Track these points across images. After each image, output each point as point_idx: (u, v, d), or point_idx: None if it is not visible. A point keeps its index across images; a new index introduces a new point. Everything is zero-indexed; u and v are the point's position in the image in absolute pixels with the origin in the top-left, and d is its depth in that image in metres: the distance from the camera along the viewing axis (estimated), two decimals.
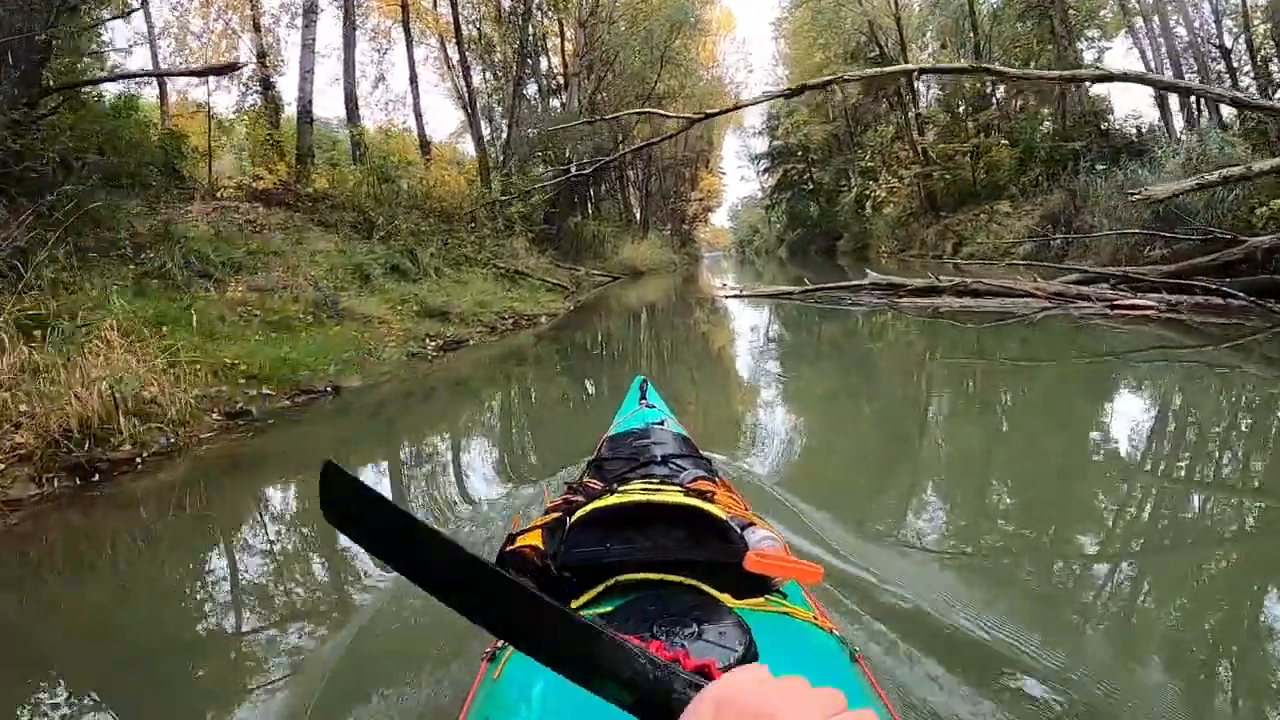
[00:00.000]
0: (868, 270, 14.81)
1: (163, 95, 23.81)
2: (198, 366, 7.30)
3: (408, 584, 0.70)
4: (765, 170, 62.00)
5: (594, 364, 11.24)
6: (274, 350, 8.47)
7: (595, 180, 36.25)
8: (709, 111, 16.12)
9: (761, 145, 61.73)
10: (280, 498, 5.57)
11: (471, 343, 11.62)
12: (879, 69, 22.36)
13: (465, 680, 1.75)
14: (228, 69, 17.13)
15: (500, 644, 1.44)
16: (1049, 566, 3.61)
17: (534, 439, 7.15)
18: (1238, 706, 2.47)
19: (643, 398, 3.92)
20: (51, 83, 11.41)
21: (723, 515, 1.69)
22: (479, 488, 5.45)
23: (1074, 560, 3.62)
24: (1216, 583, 3.46)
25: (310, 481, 5.11)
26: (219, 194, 16.85)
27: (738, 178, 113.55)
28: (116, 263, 10.18)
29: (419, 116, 27.90)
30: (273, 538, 4.73)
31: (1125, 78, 13.52)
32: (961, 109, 38.45)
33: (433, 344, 10.87)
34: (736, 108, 18.96)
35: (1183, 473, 5.03)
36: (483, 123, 30.94)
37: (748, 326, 15.14)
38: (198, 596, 3.93)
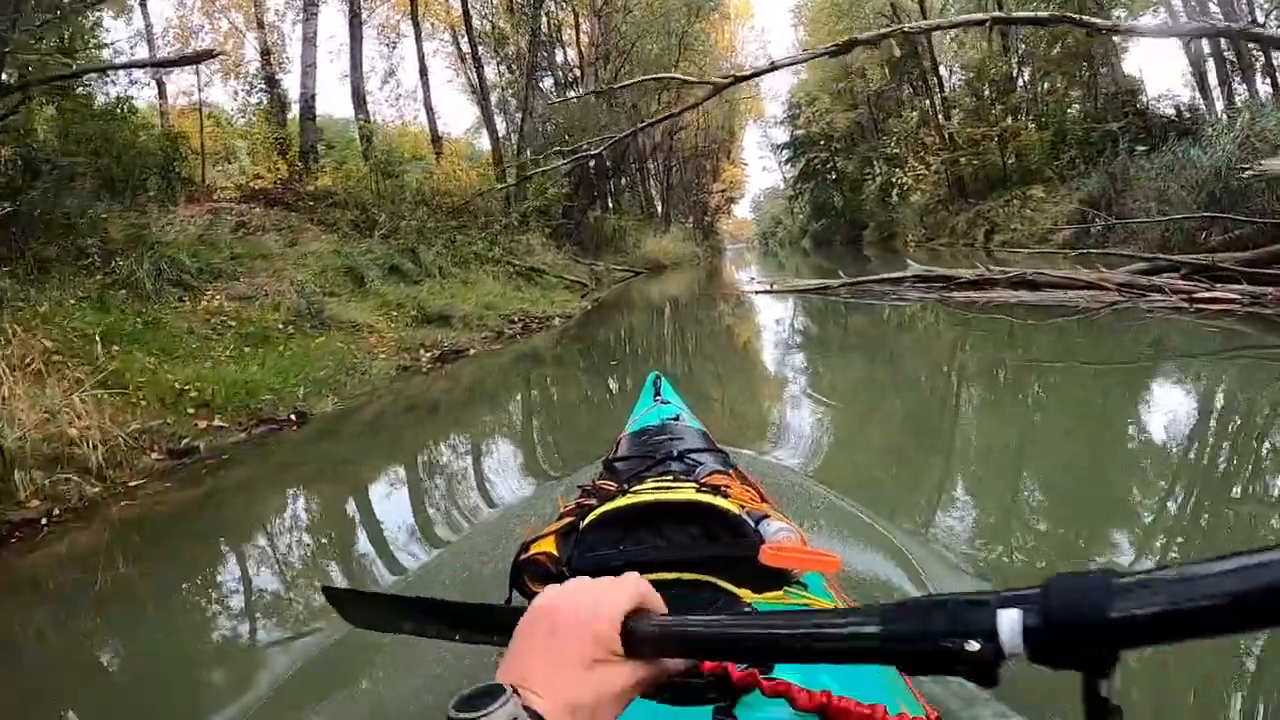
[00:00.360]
0: (909, 261, 13.54)
1: (162, 95, 22.88)
2: (142, 394, 6.15)
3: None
4: (788, 160, 60.41)
5: (609, 375, 9.75)
6: (237, 371, 7.31)
7: (615, 173, 35.02)
8: (738, 75, 14.79)
9: (783, 135, 60.36)
10: (206, 577, 4.31)
11: (473, 351, 10.49)
12: (951, 19, 20.87)
13: None
14: (202, 57, 15.99)
15: None
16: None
17: (528, 484, 5.42)
18: None
19: (657, 394, 3.82)
20: (9, 80, 10.30)
21: (735, 510, 1.65)
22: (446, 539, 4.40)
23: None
24: None
25: (238, 549, 4.62)
26: (216, 196, 15.89)
27: (759, 168, 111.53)
28: (82, 272, 9.13)
29: (430, 111, 26.86)
30: (186, 639, 3.51)
31: (1228, 33, 12.13)
32: (986, 93, 36.90)
33: (428, 355, 9.71)
34: (773, 68, 17.37)
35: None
36: (497, 117, 29.82)
37: (774, 321, 14.10)
38: None
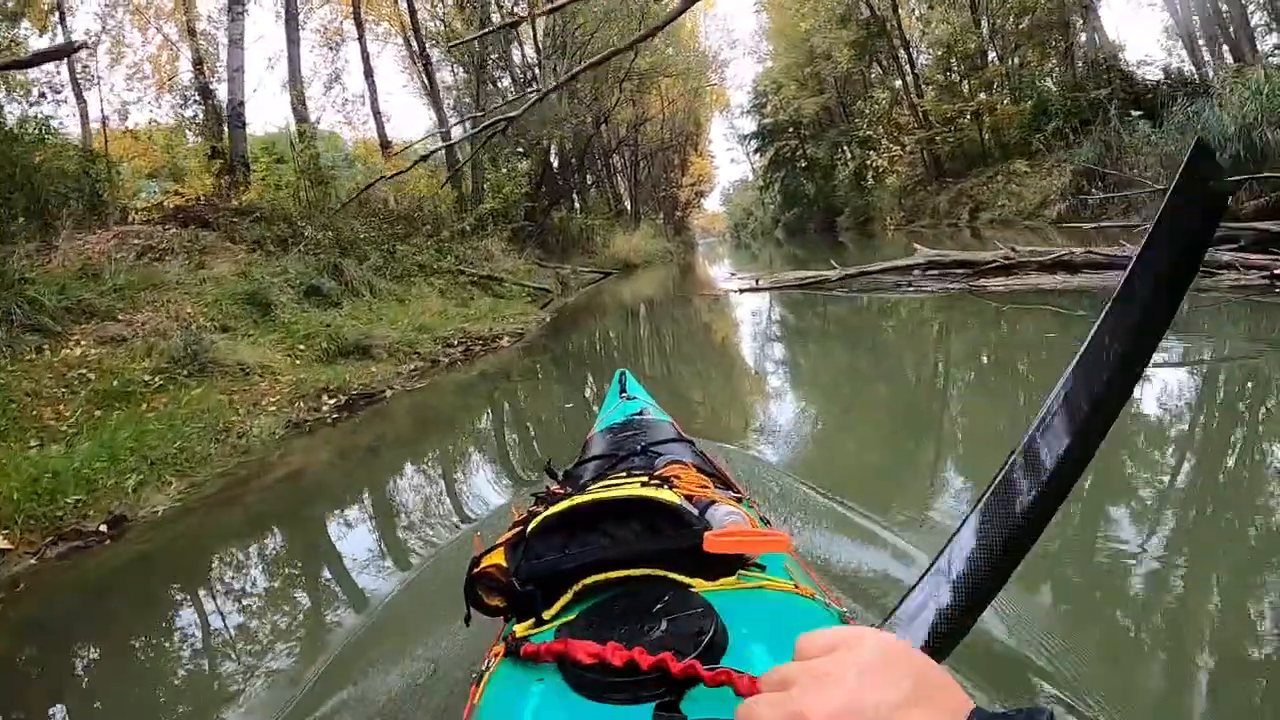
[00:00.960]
0: (917, 246, 11.55)
1: (85, 116, 20.64)
2: None
3: None
4: (756, 150, 58.31)
5: (562, 417, 7.20)
6: (38, 458, 5.18)
7: (580, 170, 32.92)
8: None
9: (750, 125, 58.35)
10: None
11: (391, 392, 8.16)
12: None
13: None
14: (65, 51, 13.87)
15: (485, 664, 1.41)
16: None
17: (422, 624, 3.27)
18: None
19: (623, 390, 3.67)
20: None
21: (674, 500, 1.56)
22: None
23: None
24: None
25: None
26: (130, 219, 13.83)
27: (727, 160, 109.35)
28: None
29: (377, 114, 24.75)
30: None
31: None
32: (958, 68, 35.10)
33: (331, 402, 7.47)
34: None
35: None
36: (452, 119, 27.68)
37: (750, 315, 12.68)
38: None
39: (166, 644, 3.58)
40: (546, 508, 1.65)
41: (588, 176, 35.72)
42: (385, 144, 24.14)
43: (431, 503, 5.20)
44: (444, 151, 24.58)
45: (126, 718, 3.07)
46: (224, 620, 3.74)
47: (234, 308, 8.94)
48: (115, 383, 6.85)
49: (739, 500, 2.03)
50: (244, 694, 2.96)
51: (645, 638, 1.20)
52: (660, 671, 1.00)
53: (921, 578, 0.97)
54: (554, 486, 2.17)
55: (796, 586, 1.49)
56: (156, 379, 7.06)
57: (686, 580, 1.40)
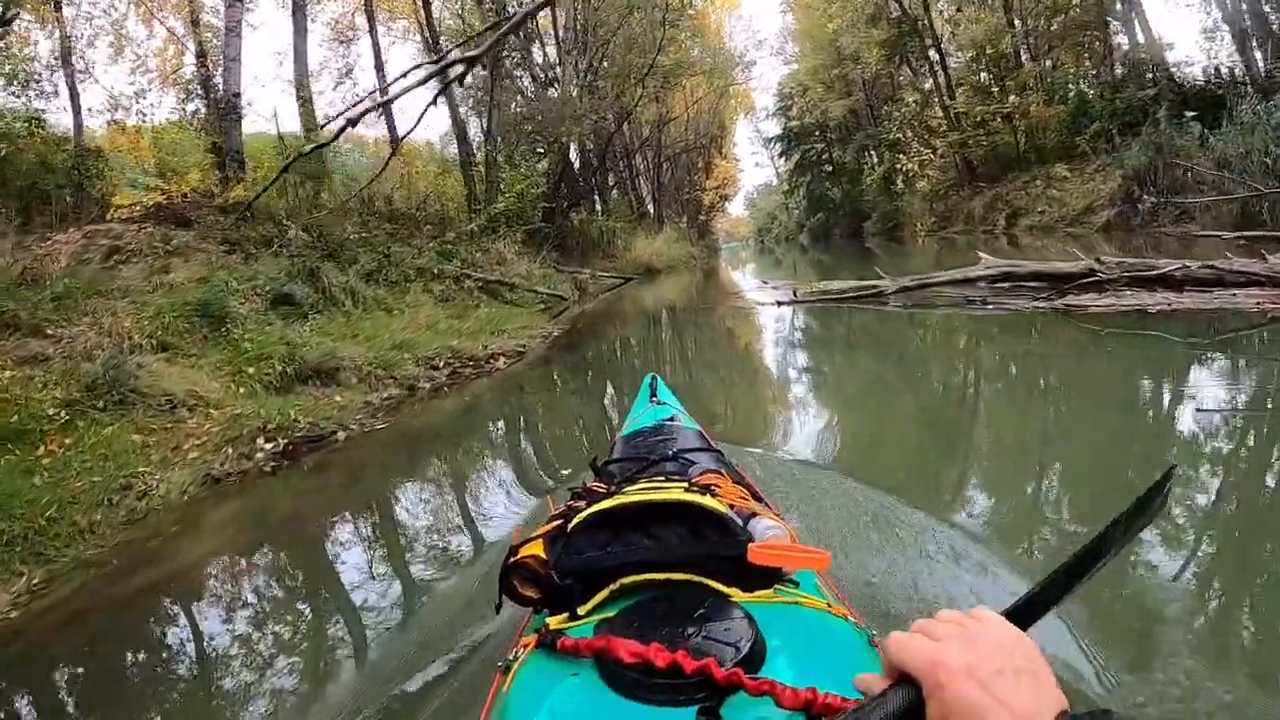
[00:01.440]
0: (980, 254, 9.96)
1: (76, 109, 19.33)
2: None
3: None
4: (781, 154, 56.78)
5: (558, 476, 5.32)
6: None
7: (601, 169, 31.44)
8: None
9: (775, 128, 56.81)
10: None
11: (345, 436, 6.34)
12: None
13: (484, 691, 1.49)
14: None
15: (513, 654, 1.40)
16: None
17: None
18: None
19: (653, 395, 3.64)
20: None
21: (722, 509, 1.58)
22: None
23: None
24: None
25: None
26: (109, 216, 12.54)
27: (752, 164, 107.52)
28: None
29: (388, 109, 23.34)
30: None
31: None
32: (989, 72, 33.40)
33: (268, 447, 5.79)
34: None
35: None
36: (470, 117, 26.31)
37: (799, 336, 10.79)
38: None
39: None
40: (588, 503, 1.66)
41: (609, 177, 34.25)
42: (394, 139, 22.77)
43: (358, 622, 3.45)
44: (457, 147, 23.22)
45: None
46: None
47: (180, 321, 7.44)
48: (14, 417, 5.42)
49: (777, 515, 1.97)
50: None
51: (685, 642, 1.18)
52: (703, 676, 1.04)
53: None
54: (592, 483, 2.14)
55: (830, 605, 1.48)
56: (63, 413, 5.61)
57: (725, 589, 1.39)
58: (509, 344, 10.01)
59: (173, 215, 12.42)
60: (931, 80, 35.01)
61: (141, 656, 3.42)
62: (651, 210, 39.00)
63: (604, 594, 1.42)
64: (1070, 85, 30.19)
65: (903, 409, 6.21)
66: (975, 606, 0.76)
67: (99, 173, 13.64)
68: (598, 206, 31.19)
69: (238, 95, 16.68)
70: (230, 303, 7.97)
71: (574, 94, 23.77)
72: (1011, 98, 31.05)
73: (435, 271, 12.98)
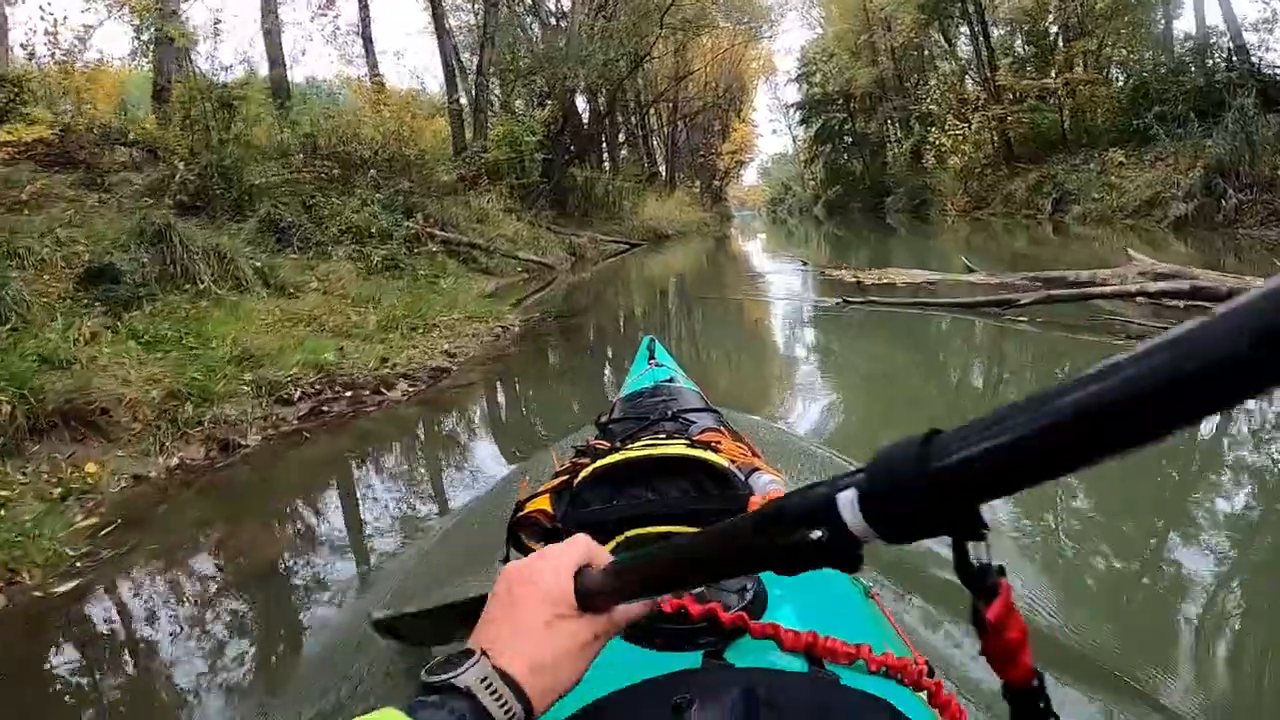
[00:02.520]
0: (1130, 252, 6.87)
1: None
2: None
3: None
4: (801, 122, 52.83)
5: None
6: None
7: (610, 121, 28.04)
8: None
9: (795, 95, 53.04)
10: None
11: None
12: None
13: None
14: None
15: None
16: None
17: None
18: None
19: (651, 357, 3.51)
20: None
21: (724, 463, 1.59)
22: None
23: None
24: None
25: None
26: None
27: (769, 131, 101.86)
28: None
29: (368, 44, 20.05)
30: None
31: None
32: (1037, 44, 29.92)
33: None
34: None
35: None
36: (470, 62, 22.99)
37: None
38: None
39: None
40: (592, 460, 1.67)
41: (620, 133, 30.82)
42: (376, 75, 19.49)
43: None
44: (445, 92, 19.88)
45: None
46: None
47: None
48: None
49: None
50: None
51: (690, 590, 1.15)
52: (709, 620, 1.03)
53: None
54: (595, 440, 2.15)
55: None
56: None
57: None
58: (436, 349, 6.67)
59: (59, 154, 9.47)
60: (973, 48, 31.50)
61: None
62: (663, 172, 35.63)
63: (609, 547, 1.19)
64: (1126, 64, 27.04)
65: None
66: None
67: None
68: (605, 164, 27.79)
69: (174, 13, 13.53)
70: (11, 281, 4.81)
71: (582, 31, 20.35)
72: (1059, 74, 27.80)
73: (372, 231, 9.82)
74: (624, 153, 32.28)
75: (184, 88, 10.74)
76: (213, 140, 9.79)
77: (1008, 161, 29.16)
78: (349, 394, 5.20)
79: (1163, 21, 27.63)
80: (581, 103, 25.43)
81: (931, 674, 1.03)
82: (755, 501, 1.39)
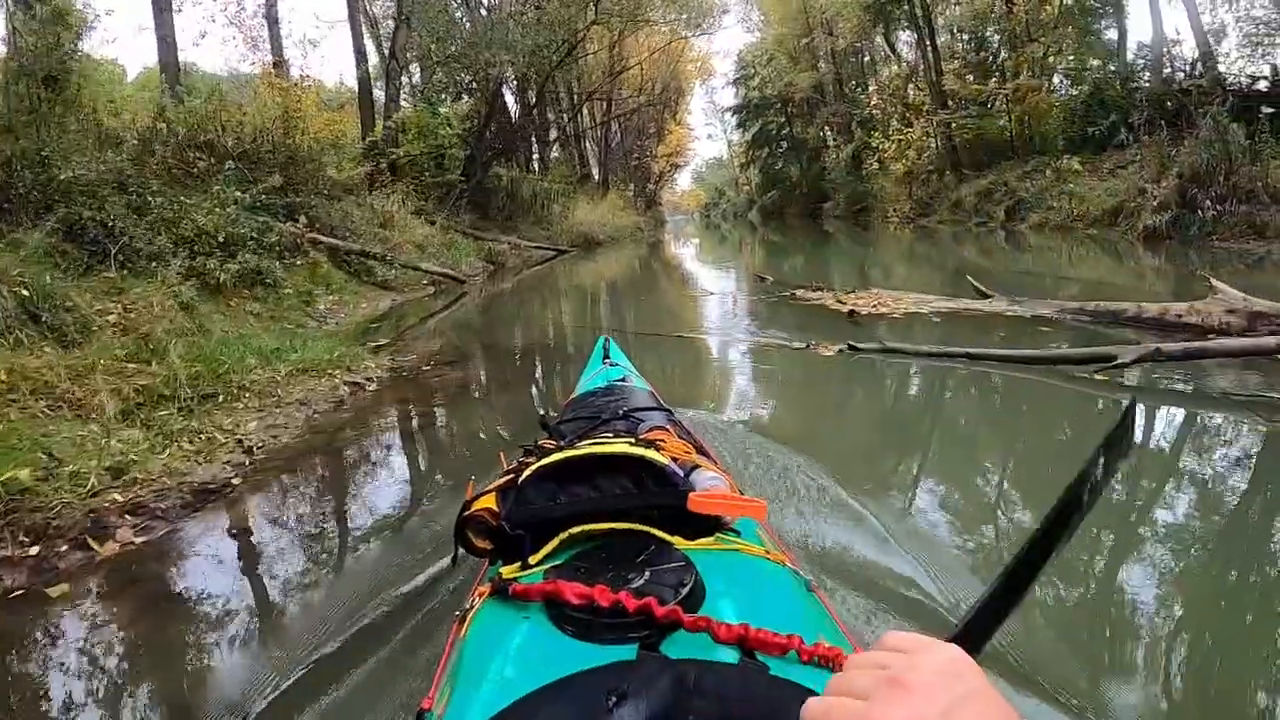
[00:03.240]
0: (1213, 281, 4.99)
1: None
2: None
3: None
4: (739, 125, 51.01)
5: None
6: None
7: (540, 115, 25.78)
8: None
9: (732, 99, 51.26)
10: None
11: None
12: None
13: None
14: None
15: (469, 604, 1.36)
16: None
17: None
18: None
19: (605, 357, 3.59)
20: None
21: (663, 460, 1.55)
22: None
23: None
24: None
25: None
26: None
27: (704, 136, 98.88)
28: None
29: (274, 25, 17.64)
30: None
31: None
32: (998, 40, 28.54)
33: None
34: None
35: None
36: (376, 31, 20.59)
37: None
38: None
39: None
40: (538, 459, 1.63)
41: (550, 131, 28.56)
42: (281, 62, 17.07)
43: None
44: (359, 85, 17.53)
45: None
46: None
47: None
48: None
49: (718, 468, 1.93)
50: None
51: (629, 584, 1.19)
52: (644, 615, 1.04)
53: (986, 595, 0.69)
54: (543, 440, 2.14)
55: (768, 553, 1.50)
56: None
57: (667, 537, 1.40)
58: (233, 435, 4.08)
59: None
60: (919, 53, 29.99)
61: None
62: (596, 173, 33.50)
63: (553, 543, 1.40)
64: (1072, 72, 25.93)
65: None
66: (886, 634, 0.61)
67: None
68: (535, 163, 25.56)
69: None
70: None
71: (510, 18, 18.16)
72: (1006, 80, 26.47)
73: (222, 239, 7.51)
74: (555, 152, 30.07)
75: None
76: (30, 123, 7.42)
77: (954, 168, 27.77)
78: (34, 550, 2.86)
79: (1113, 29, 26.83)
80: (510, 99, 23.24)
81: None
82: (694, 497, 1.42)
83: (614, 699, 0.84)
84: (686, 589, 1.17)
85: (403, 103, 17.54)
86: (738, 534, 1.50)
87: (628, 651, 1.00)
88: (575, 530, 1.41)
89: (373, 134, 15.80)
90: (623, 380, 3.12)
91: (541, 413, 2.59)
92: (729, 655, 1.01)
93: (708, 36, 40.97)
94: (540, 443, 2.06)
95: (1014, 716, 0.53)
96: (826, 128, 40.81)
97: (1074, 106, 24.42)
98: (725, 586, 1.25)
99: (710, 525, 1.46)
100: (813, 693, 0.66)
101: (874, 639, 1.78)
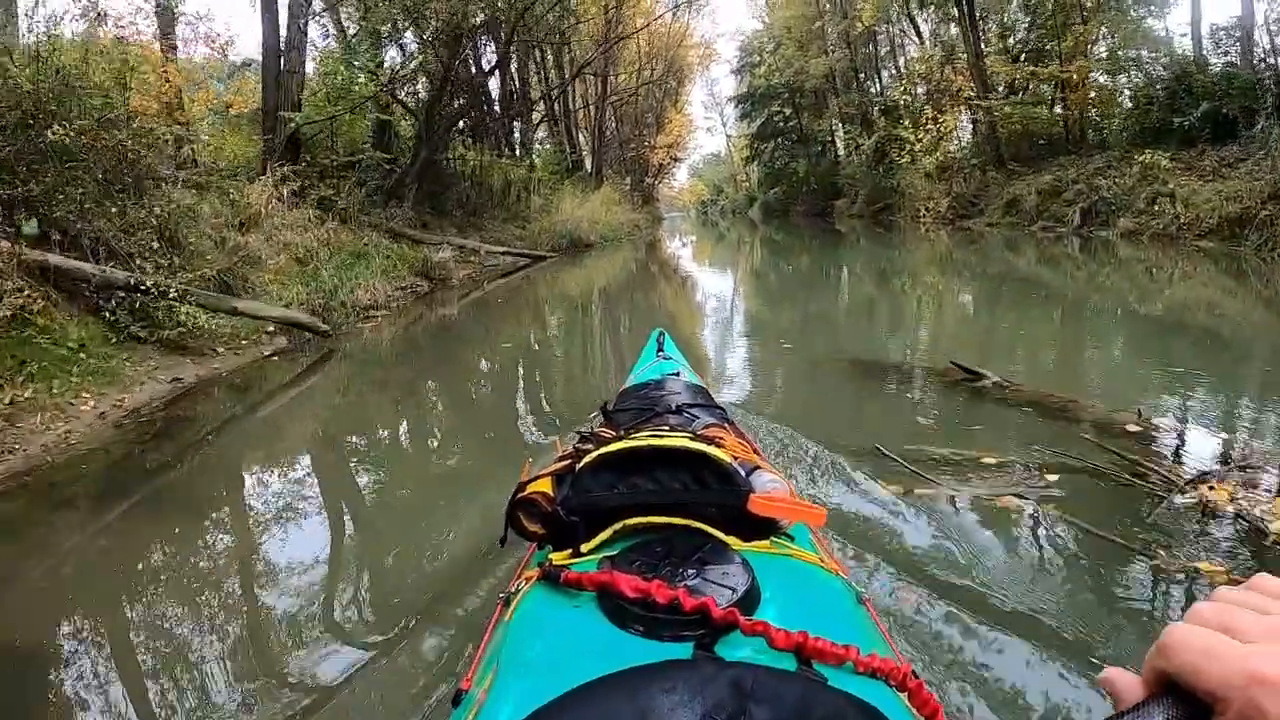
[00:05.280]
0: None
1: None
2: None
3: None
4: (743, 117, 45.80)
5: None
6: None
7: (517, 91, 20.83)
8: None
9: (732, 89, 46.37)
10: None
11: None
12: None
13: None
14: None
15: (514, 587, 1.36)
16: None
17: None
18: None
19: (660, 350, 3.40)
20: None
21: (727, 459, 1.47)
22: None
23: None
24: None
25: None
26: None
27: (702, 131, 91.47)
28: None
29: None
30: None
31: None
32: (1042, 28, 23.73)
33: None
34: None
35: None
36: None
37: None
38: None
39: None
40: (596, 446, 1.57)
41: (534, 115, 23.56)
42: (168, 35, 12.17)
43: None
44: (263, 41, 12.52)
45: None
46: None
47: None
48: None
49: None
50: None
51: (684, 581, 1.16)
52: (701, 614, 1.00)
53: None
54: (599, 427, 2.09)
55: (822, 560, 1.45)
56: None
57: (723, 536, 1.34)
58: None
59: None
60: (959, 31, 25.07)
61: None
62: (589, 163, 28.51)
63: (608, 533, 1.35)
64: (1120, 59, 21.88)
65: None
66: (1260, 577, 0.47)
67: None
68: (511, 146, 20.51)
69: None
70: None
71: None
72: (1065, 64, 21.82)
73: None
74: (540, 136, 25.14)
75: None
76: None
77: (998, 163, 23.03)
78: None
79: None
80: (490, 69, 18.30)
81: (916, 677, 0.98)
82: (755, 499, 1.38)
83: (672, 699, 0.79)
84: (744, 591, 1.11)
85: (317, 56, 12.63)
86: (791, 539, 1.43)
87: (683, 650, 0.98)
88: (631, 521, 1.36)
89: (282, 105, 10.99)
90: (676, 374, 2.91)
91: (605, 401, 2.47)
92: (785, 662, 0.95)
93: (711, 21, 36.17)
94: (597, 430, 1.99)
95: None
96: (839, 119, 36.07)
97: (1151, 94, 19.86)
98: (780, 592, 1.19)
99: (768, 528, 1.40)
100: (871, 707, 0.62)
101: (920, 650, 2.14)
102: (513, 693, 1.01)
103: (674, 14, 29.61)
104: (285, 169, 9.96)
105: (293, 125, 10.78)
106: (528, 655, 1.12)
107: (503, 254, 12.97)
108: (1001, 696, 2.03)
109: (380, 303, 8.27)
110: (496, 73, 18.62)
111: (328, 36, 13.58)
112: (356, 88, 11.26)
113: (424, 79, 13.89)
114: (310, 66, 12.42)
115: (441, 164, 13.71)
